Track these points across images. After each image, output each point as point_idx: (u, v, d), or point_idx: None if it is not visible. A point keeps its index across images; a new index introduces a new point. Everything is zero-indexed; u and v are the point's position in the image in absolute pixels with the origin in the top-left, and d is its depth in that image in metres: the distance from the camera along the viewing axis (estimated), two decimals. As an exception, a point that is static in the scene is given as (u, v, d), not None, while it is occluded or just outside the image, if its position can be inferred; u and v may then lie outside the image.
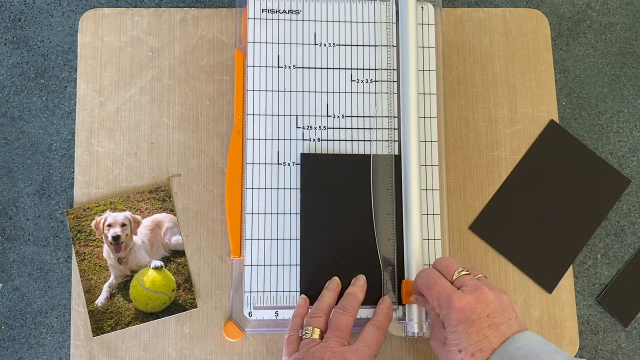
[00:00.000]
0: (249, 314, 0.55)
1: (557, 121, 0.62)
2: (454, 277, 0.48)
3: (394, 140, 0.58)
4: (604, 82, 0.65)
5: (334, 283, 0.54)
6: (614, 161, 0.63)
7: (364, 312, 0.55)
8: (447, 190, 0.59)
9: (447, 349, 0.46)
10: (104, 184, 0.58)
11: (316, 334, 0.50)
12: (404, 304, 0.55)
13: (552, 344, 0.44)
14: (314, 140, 0.58)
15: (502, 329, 0.44)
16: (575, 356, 0.55)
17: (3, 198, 0.59)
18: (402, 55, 0.58)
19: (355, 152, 0.58)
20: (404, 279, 0.55)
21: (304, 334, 0.50)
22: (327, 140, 0.58)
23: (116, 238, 0.57)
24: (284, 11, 0.60)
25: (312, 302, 0.54)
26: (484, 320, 0.44)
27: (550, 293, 0.59)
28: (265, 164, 0.57)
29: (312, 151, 0.58)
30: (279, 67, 0.59)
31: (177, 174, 0.59)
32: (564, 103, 0.64)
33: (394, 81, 0.59)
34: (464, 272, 0.48)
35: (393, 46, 0.60)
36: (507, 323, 0.45)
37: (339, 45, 0.60)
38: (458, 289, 0.47)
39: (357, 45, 0.60)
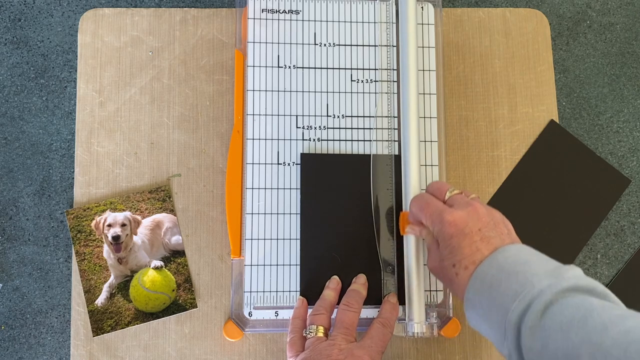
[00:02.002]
0: (249, 314, 0.55)
1: (557, 121, 0.62)
2: (446, 197, 0.49)
3: (394, 140, 0.58)
4: (604, 82, 0.65)
5: (334, 282, 0.54)
6: (614, 161, 0.63)
7: (365, 312, 0.55)
8: (447, 190, 0.59)
9: (442, 265, 0.46)
10: (104, 184, 0.58)
11: (320, 332, 0.49)
12: (403, 305, 0.55)
13: (544, 255, 0.44)
14: (314, 140, 0.58)
15: (494, 242, 0.44)
16: None
17: (3, 198, 0.59)
18: (402, 55, 0.58)
19: (355, 152, 0.58)
20: (403, 275, 0.55)
21: (308, 333, 0.50)
22: (327, 140, 0.58)
23: (116, 238, 0.57)
24: (284, 11, 0.60)
25: (312, 302, 0.54)
26: (475, 234, 0.45)
27: (550, 293, 0.59)
28: (265, 164, 0.57)
29: (312, 151, 0.58)
30: (279, 67, 0.59)
31: (177, 174, 0.59)
32: (564, 103, 0.64)
33: (394, 81, 0.59)
34: (455, 192, 0.49)
35: (393, 46, 0.60)
36: (499, 237, 0.45)
37: (339, 45, 0.60)
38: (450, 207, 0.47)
39: (357, 45, 0.60)
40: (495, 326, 0.42)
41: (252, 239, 0.56)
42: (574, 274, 0.41)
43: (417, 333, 0.53)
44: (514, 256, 0.43)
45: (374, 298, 0.55)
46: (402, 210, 0.56)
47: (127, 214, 0.57)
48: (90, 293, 0.56)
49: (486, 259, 0.43)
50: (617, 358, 0.34)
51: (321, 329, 0.50)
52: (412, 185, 0.55)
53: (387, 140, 0.58)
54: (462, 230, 0.45)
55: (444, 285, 0.56)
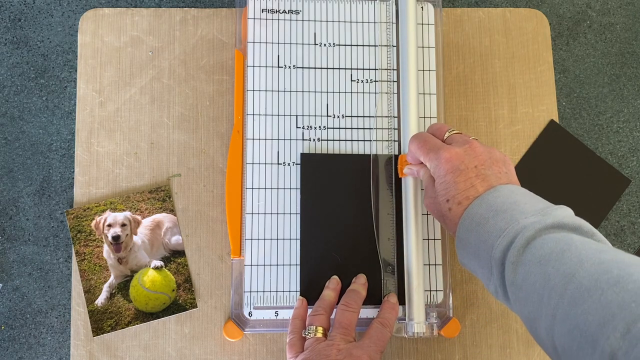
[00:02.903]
0: (249, 314, 0.55)
1: (557, 121, 0.62)
2: (445, 136, 0.49)
3: (394, 140, 0.58)
4: (604, 82, 0.65)
5: (334, 282, 0.54)
6: (614, 161, 0.63)
7: (365, 312, 0.55)
8: (447, 190, 0.59)
9: (436, 201, 0.47)
10: (104, 184, 0.58)
11: (320, 333, 0.49)
12: (403, 305, 0.55)
13: (537, 196, 0.44)
14: (314, 140, 0.58)
15: (490, 180, 0.44)
16: None
17: (3, 198, 0.59)
18: (402, 55, 0.58)
19: (355, 152, 0.58)
20: (403, 275, 0.55)
21: (307, 334, 0.50)
22: (327, 140, 0.58)
23: (116, 238, 0.57)
24: (284, 11, 0.60)
25: (312, 302, 0.54)
26: (471, 171, 0.45)
27: (550, 293, 0.59)
28: (265, 164, 0.57)
29: (312, 151, 0.58)
30: (279, 67, 0.59)
31: (177, 174, 0.59)
32: (564, 103, 0.64)
33: (394, 81, 0.59)
34: (455, 132, 0.49)
35: (393, 46, 0.60)
36: (496, 176, 0.45)
37: (339, 45, 0.60)
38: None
39: (357, 45, 0.60)
40: (483, 264, 0.42)
41: (252, 239, 0.56)
42: (562, 212, 0.41)
43: (417, 333, 0.53)
44: (505, 196, 0.43)
45: (374, 298, 0.55)
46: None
47: (127, 214, 0.57)
48: (90, 293, 0.56)
49: (477, 199, 0.43)
50: (587, 288, 0.34)
51: (320, 329, 0.50)
52: (412, 184, 0.55)
53: (387, 140, 0.58)
54: (458, 166, 0.45)
55: (444, 279, 0.56)
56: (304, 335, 0.51)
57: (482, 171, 0.45)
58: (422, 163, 0.50)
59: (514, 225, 0.40)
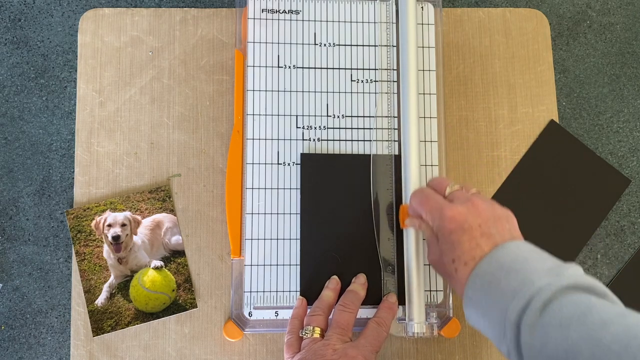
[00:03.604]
0: (249, 314, 0.55)
1: (557, 121, 0.62)
2: (447, 193, 0.49)
3: (394, 140, 0.58)
4: (604, 82, 0.65)
5: (334, 282, 0.54)
6: (614, 161, 0.63)
7: (364, 312, 0.55)
8: (447, 190, 0.59)
9: (442, 260, 0.46)
10: (104, 184, 0.58)
11: (317, 333, 0.49)
12: (403, 305, 0.55)
13: (544, 252, 0.44)
14: (314, 140, 0.58)
15: (494, 238, 0.44)
16: None
17: (3, 198, 0.59)
18: (402, 55, 0.58)
19: (355, 152, 0.58)
20: (403, 275, 0.55)
21: (304, 334, 0.50)
22: (327, 140, 0.58)
23: (116, 238, 0.57)
24: (284, 11, 0.60)
25: (312, 302, 0.54)
26: (476, 229, 0.44)
27: (550, 293, 0.59)
28: (265, 164, 0.57)
29: (312, 151, 0.58)
30: (279, 67, 0.59)
31: (177, 174, 0.59)
32: (564, 103, 0.64)
33: (394, 81, 0.59)
34: (456, 187, 0.49)
35: (393, 46, 0.60)
36: (500, 233, 0.44)
37: (339, 45, 0.60)
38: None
39: (357, 45, 0.60)
40: (494, 324, 0.42)
41: (252, 239, 0.56)
42: (574, 272, 0.41)
43: (417, 333, 0.53)
44: (513, 253, 0.43)
45: (373, 298, 0.55)
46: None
47: (127, 214, 0.57)
48: (90, 293, 0.56)
49: (485, 257, 0.43)
50: (617, 354, 0.34)
51: (317, 329, 0.50)
52: (412, 185, 0.55)
53: (387, 140, 0.58)
54: (462, 225, 0.45)
55: (444, 280, 0.56)
56: (301, 335, 0.51)
57: (486, 229, 0.44)
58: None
59: (529, 286, 0.40)
